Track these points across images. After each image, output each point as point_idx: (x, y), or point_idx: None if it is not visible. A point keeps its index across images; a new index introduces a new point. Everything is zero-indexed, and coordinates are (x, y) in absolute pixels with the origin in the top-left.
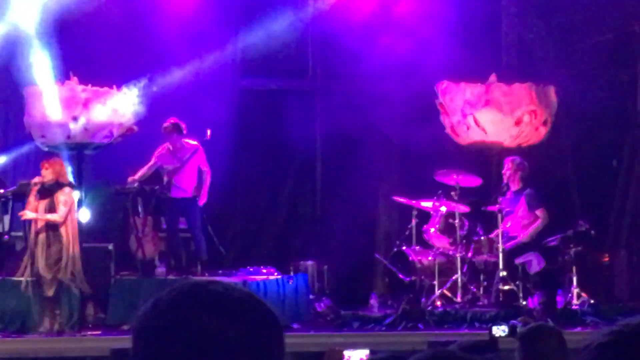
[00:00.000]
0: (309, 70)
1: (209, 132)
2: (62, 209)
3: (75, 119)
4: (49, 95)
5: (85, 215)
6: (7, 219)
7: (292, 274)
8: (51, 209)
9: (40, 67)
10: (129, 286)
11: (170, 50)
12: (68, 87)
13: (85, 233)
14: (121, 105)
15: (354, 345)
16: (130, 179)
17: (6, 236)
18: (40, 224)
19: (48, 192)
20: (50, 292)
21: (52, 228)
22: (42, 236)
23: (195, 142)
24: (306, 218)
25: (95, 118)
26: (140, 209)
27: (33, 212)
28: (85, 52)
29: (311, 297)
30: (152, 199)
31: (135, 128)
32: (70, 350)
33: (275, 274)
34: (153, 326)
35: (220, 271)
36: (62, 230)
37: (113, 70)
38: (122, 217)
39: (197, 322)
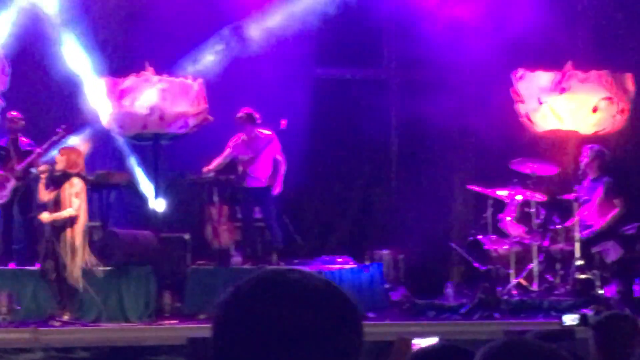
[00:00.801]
0: (384, 59)
1: (283, 121)
2: (75, 202)
3: (152, 109)
4: (126, 86)
5: (161, 205)
6: None
7: (367, 263)
8: (56, 201)
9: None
10: (205, 275)
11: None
12: (144, 77)
13: (161, 223)
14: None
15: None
16: (205, 169)
17: None
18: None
19: (55, 182)
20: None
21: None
22: (47, 227)
23: (269, 132)
24: (381, 207)
25: (170, 108)
26: (215, 199)
27: (44, 199)
28: (161, 42)
29: (386, 286)
30: (227, 188)
31: (211, 118)
32: (147, 339)
33: (351, 263)
34: (232, 315)
35: (295, 260)
36: (68, 222)
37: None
38: (198, 207)
39: (277, 311)
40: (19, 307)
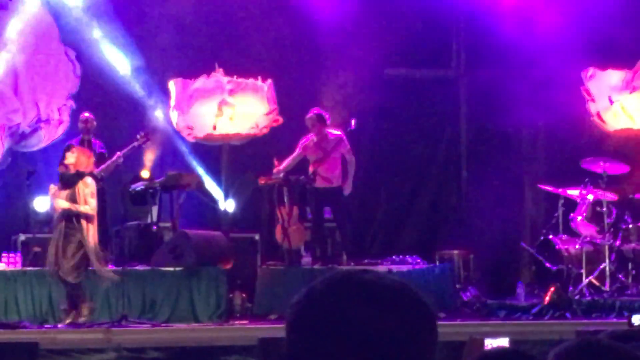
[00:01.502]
0: (453, 58)
1: (353, 121)
2: (91, 202)
3: (220, 110)
4: (196, 87)
5: (231, 206)
6: (155, 209)
7: (437, 263)
8: (72, 200)
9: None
10: (276, 276)
11: (315, 41)
12: (214, 78)
13: (231, 224)
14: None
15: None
16: (275, 170)
17: (154, 227)
18: (61, 215)
19: (69, 182)
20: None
21: (71, 219)
22: (61, 225)
23: (339, 132)
24: (451, 207)
25: (240, 109)
26: (285, 200)
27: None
28: (231, 44)
29: (457, 286)
30: (297, 189)
31: (281, 119)
32: (218, 339)
33: (420, 263)
34: (307, 315)
35: (365, 260)
36: (83, 221)
37: (258, 61)
38: (268, 207)
39: (351, 312)
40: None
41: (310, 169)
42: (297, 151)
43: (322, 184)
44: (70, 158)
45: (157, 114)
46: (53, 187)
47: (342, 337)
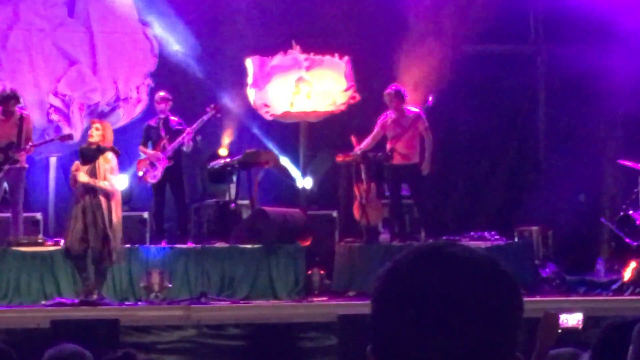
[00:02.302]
0: (531, 34)
1: (430, 98)
2: (112, 178)
3: (298, 88)
4: (273, 65)
5: (309, 183)
6: (233, 187)
7: (516, 239)
8: (92, 175)
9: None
10: (354, 253)
11: (392, 18)
12: (290, 55)
13: (309, 201)
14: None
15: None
16: (356, 148)
17: (232, 204)
18: (82, 192)
19: (90, 157)
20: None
21: (93, 193)
22: (82, 201)
23: (416, 109)
24: (529, 182)
25: (318, 86)
26: (363, 176)
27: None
28: (308, 21)
29: (536, 262)
30: (374, 166)
31: (358, 96)
32: (297, 316)
33: (499, 239)
34: (392, 289)
35: (443, 237)
36: (102, 197)
37: (335, 38)
38: (346, 184)
39: (436, 285)
40: (170, 285)
41: (388, 146)
42: (376, 129)
43: (400, 160)
44: (96, 135)
45: (235, 92)
46: (76, 163)
47: (427, 311)
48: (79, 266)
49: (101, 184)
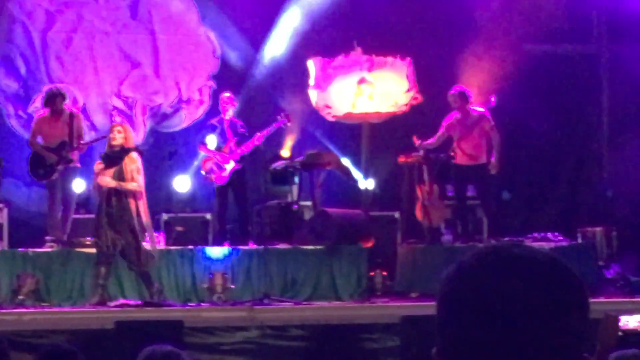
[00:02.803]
0: (594, 33)
1: (493, 98)
2: (139, 178)
3: (360, 89)
4: (335, 66)
5: (371, 184)
6: (295, 188)
7: (579, 240)
8: (120, 177)
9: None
10: (416, 254)
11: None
12: (352, 57)
13: (371, 202)
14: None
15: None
16: (421, 143)
17: (295, 205)
18: (107, 194)
19: (115, 159)
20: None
21: (120, 196)
22: (106, 205)
23: (481, 109)
24: (593, 182)
25: (380, 87)
26: (425, 177)
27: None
28: (369, 22)
29: (600, 263)
30: (437, 166)
31: (420, 97)
32: (360, 317)
33: (562, 240)
34: (457, 290)
35: (506, 238)
36: (130, 199)
37: (397, 40)
38: (408, 185)
39: (503, 286)
40: (233, 286)
41: (454, 146)
42: (441, 130)
43: (467, 161)
44: (119, 138)
45: (297, 94)
46: (99, 166)
47: (493, 312)
48: (108, 272)
49: (130, 185)
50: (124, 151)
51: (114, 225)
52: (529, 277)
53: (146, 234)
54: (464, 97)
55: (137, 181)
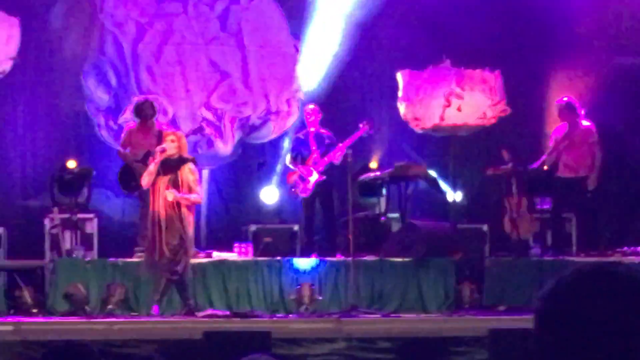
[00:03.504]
0: None
1: (582, 112)
2: (198, 189)
3: (448, 101)
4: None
5: (459, 196)
6: (383, 200)
7: None
8: (175, 185)
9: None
10: (504, 267)
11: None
12: (441, 69)
13: (459, 214)
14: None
15: None
16: (536, 166)
17: (383, 217)
18: (164, 202)
19: (172, 167)
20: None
21: (173, 207)
22: (162, 214)
23: (589, 123)
24: None
25: (468, 100)
26: (514, 190)
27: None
28: (458, 34)
29: None
30: (526, 179)
31: (508, 109)
32: (447, 330)
33: None
34: (555, 308)
35: (593, 252)
36: (184, 209)
37: (486, 52)
38: (496, 198)
39: (602, 304)
40: (320, 298)
41: (556, 157)
42: (551, 142)
43: (568, 173)
44: (172, 147)
45: (385, 106)
46: (170, 191)
47: (592, 330)
48: (157, 281)
49: (192, 197)
50: (181, 161)
51: (168, 234)
52: (629, 296)
53: (190, 245)
54: (570, 108)
55: (197, 192)
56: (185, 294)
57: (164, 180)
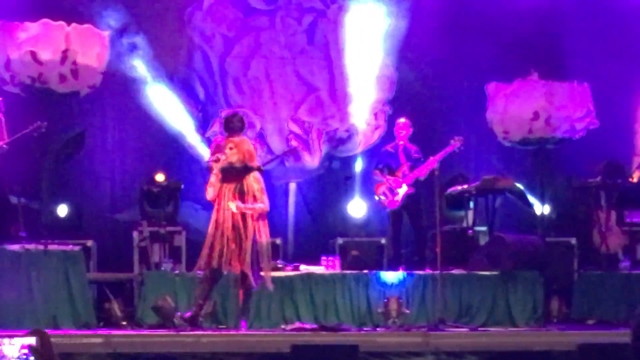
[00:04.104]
0: None
1: None
2: (264, 198)
3: (536, 114)
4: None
5: (547, 210)
6: (471, 214)
7: None
8: (241, 195)
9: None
10: (593, 281)
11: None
12: (529, 82)
13: (548, 228)
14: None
15: None
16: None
17: (470, 231)
18: (229, 213)
19: (236, 175)
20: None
21: (244, 215)
22: (228, 225)
23: None
24: None
25: (556, 113)
26: (602, 203)
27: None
28: (546, 47)
29: None
30: (615, 192)
31: (597, 122)
32: (535, 344)
33: None
34: None
35: None
36: (249, 219)
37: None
38: (585, 211)
39: None
40: (408, 311)
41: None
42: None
43: None
44: (233, 155)
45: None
46: (233, 202)
47: None
48: (210, 289)
49: (258, 207)
50: (247, 169)
51: (235, 243)
52: None
53: (264, 255)
54: None
55: (263, 202)
56: (246, 305)
57: (229, 188)
